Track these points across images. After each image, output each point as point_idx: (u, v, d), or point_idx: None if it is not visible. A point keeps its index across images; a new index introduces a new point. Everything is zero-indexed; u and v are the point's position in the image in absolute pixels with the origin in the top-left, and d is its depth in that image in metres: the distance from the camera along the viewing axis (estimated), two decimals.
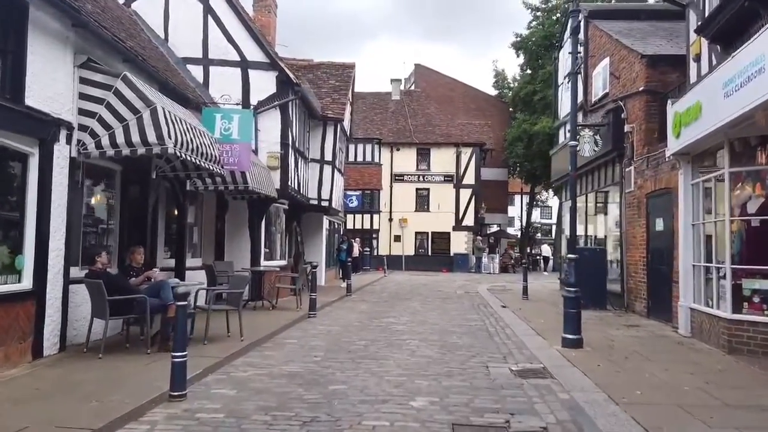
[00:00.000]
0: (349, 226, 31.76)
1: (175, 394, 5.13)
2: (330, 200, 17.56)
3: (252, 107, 12.76)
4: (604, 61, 14.84)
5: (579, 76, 16.95)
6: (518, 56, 38.50)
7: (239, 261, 13.43)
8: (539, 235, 54.28)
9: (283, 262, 15.90)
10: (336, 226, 25.37)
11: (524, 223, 43.15)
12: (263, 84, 13.91)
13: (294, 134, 14.85)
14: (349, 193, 27.82)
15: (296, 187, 15.13)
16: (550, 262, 32.60)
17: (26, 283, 6.51)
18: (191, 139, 8.03)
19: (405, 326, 10.37)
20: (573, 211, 8.63)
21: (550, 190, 51.39)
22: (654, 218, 11.33)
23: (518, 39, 37.90)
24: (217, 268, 12.64)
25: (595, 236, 16.66)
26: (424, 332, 9.68)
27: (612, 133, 13.10)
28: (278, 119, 14.08)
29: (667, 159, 10.36)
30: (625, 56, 13.11)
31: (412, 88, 39.63)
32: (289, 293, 13.74)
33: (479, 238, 33.00)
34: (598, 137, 13.40)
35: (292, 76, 14.15)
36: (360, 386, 5.94)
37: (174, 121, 7.51)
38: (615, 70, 13.71)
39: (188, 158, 8.00)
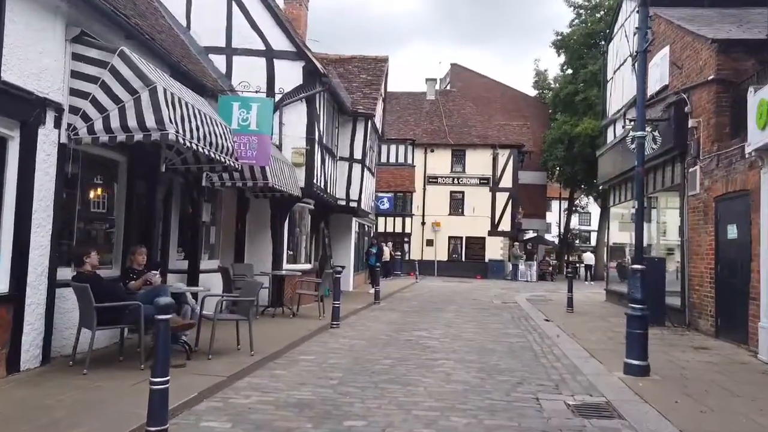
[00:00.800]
0: (380, 229, 30.73)
1: (152, 430, 4.13)
2: (359, 201, 16.54)
3: (275, 97, 11.72)
4: (663, 51, 13.42)
5: (633, 68, 15.63)
6: (559, 55, 37.00)
7: (260, 264, 12.51)
8: (577, 242, 52.19)
9: (308, 266, 14.94)
10: (366, 229, 24.37)
11: (562, 230, 41.38)
12: (289, 75, 12.98)
13: (321, 130, 13.89)
14: (380, 194, 26.81)
15: (323, 186, 14.15)
16: (593, 271, 30.85)
17: (0, 286, 5.65)
18: (198, 126, 7.10)
19: (438, 342, 9.23)
20: (640, 213, 7.36)
21: (591, 196, 49.54)
22: (725, 225, 9.91)
23: (559, 38, 36.36)
24: (235, 272, 11.74)
25: (648, 245, 15.17)
26: (460, 350, 8.51)
27: (674, 129, 11.71)
28: (304, 113, 13.14)
29: (746, 156, 8.97)
30: (690, 43, 11.71)
31: (448, 87, 38.41)
32: (314, 299, 12.74)
33: (516, 244, 31.53)
34: (656, 134, 12.00)
35: (319, 66, 13.19)
36: (382, 423, 4.85)
37: (177, 104, 6.58)
38: (677, 60, 12.30)
39: (196, 149, 7.08)
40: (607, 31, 25.46)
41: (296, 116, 13.09)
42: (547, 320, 12.36)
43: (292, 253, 14.28)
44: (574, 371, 7.22)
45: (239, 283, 9.34)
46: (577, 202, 46.77)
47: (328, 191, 14.98)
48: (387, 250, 26.22)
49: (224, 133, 8.07)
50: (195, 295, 7.93)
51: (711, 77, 10.53)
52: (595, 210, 66.95)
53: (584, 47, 35.57)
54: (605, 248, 35.60)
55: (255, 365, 6.82)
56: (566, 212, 41.52)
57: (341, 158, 16.31)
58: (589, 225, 65.89)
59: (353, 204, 16.44)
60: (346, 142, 16.45)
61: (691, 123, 11.30)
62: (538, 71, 45.47)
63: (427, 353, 8.16)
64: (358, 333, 9.83)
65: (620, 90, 16.47)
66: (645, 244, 18.50)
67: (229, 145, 8.18)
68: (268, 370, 6.73)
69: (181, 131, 6.59)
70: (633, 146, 12.17)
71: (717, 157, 10.21)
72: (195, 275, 9.93)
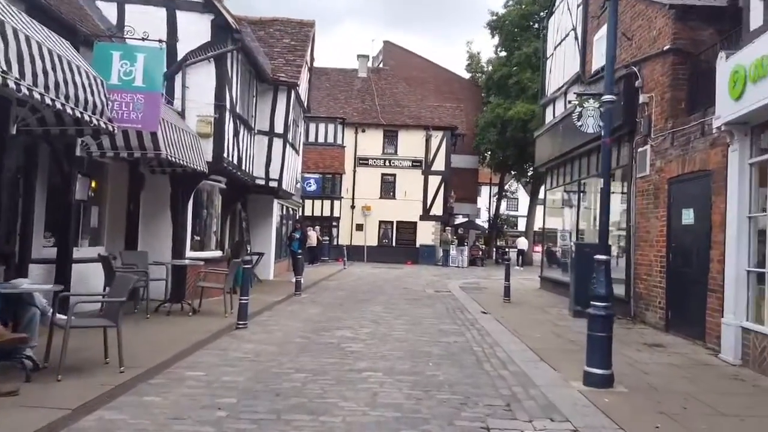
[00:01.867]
0: (308, 212, 29.01)
1: None
2: (280, 180, 14.80)
3: (162, 46, 9.67)
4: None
5: (576, 42, 14.74)
6: (493, 37, 36.28)
7: (157, 252, 10.61)
8: (506, 227, 52.51)
9: (218, 253, 13.12)
10: (291, 212, 22.62)
11: (492, 215, 41.16)
12: (195, 29, 11.08)
13: (234, 96, 12.05)
14: (307, 175, 25.09)
15: (236, 162, 12.34)
16: (524, 256, 30.58)
17: None
18: (47, 71, 5.28)
19: (364, 344, 7.81)
20: (606, 192, 6.18)
21: (521, 181, 49.76)
22: (678, 209, 9.05)
23: (494, 18, 35.62)
24: (124, 261, 9.84)
25: (580, 231, 14.46)
26: (390, 355, 7.14)
27: (623, 105, 10.77)
28: (213, 75, 11.27)
29: (708, 133, 8.07)
30: (642, 11, 10.79)
31: (380, 66, 36.89)
32: (227, 292, 10.96)
33: (448, 229, 30.71)
34: (603, 110, 11.04)
35: (232, 21, 11.32)
36: None
37: (13, 37, 4.76)
38: (626, 30, 11.38)
39: (43, 100, 5.26)
40: (545, 14, 24.81)
41: (204, 79, 11.22)
42: (484, 312, 11.26)
43: (199, 238, 12.43)
44: (526, 382, 6.00)
45: (113, 280, 7.48)
46: (507, 187, 46.82)
47: (244, 168, 13.17)
48: (314, 235, 24.58)
49: (93, 85, 6.22)
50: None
51: (667, 47, 9.60)
52: (523, 196, 68.20)
53: (518, 29, 35.03)
54: (536, 234, 35.68)
55: (120, 388, 5.13)
56: (496, 197, 41.30)
57: (260, 132, 14.50)
58: (517, 210, 66.89)
59: (273, 183, 14.69)
60: (265, 114, 14.63)
61: (641, 98, 10.41)
62: (471, 54, 44.92)
63: (350, 361, 6.73)
64: (268, 335, 8.24)
65: (561, 67, 15.58)
66: (571, 229, 17.95)
67: (99, 101, 6.33)
68: (136, 396, 5.06)
69: (15, 74, 4.79)
70: (580, 123, 11.22)
71: (672, 135, 9.32)
72: (66, 266, 7.99)
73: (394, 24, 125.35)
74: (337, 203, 29.88)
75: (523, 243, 31.53)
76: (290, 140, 15.61)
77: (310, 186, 24.46)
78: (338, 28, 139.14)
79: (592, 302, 5.91)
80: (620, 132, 11.09)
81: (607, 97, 6.01)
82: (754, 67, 6.30)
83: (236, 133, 12.26)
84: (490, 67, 38.50)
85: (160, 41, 9.05)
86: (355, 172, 30.37)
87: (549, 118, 16.54)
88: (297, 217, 21.54)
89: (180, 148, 9.51)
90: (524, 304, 12.91)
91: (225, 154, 11.47)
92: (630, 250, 10.80)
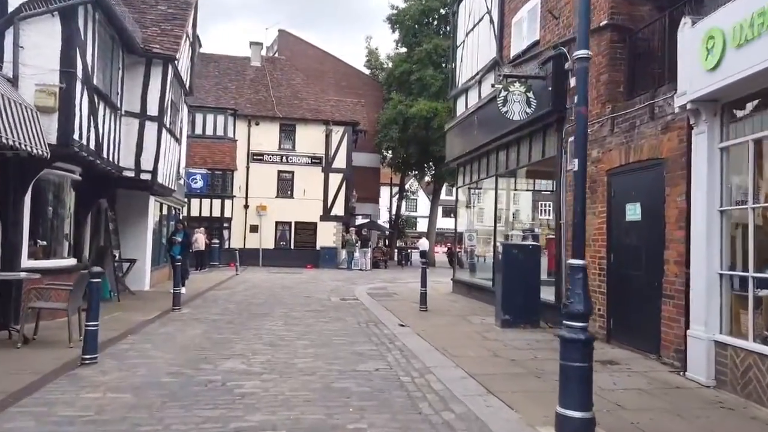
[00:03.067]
0: (194, 212, 26.13)
1: None
2: (154, 172, 12.33)
3: None
4: (530, 3, 11.49)
5: (492, 26, 13.66)
6: (393, 32, 35.28)
7: None
8: (406, 228, 51.98)
9: (72, 262, 10.49)
10: (175, 212, 19.88)
11: (394, 215, 40.18)
12: None
13: (90, 65, 9.56)
14: (192, 171, 22.36)
15: (93, 147, 9.84)
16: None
17: None
18: None
19: (259, 382, 5.89)
20: (581, 178, 4.76)
21: (421, 182, 49.39)
22: (621, 203, 8.03)
23: (395, 12, 34.61)
24: None
25: (496, 231, 13.43)
26: (295, 400, 5.30)
27: (551, 90, 9.70)
28: (58, 34, 8.77)
29: (655, 117, 7.05)
30: None
31: (276, 55, 34.47)
32: (72, 314, 8.44)
33: (352, 229, 29.09)
34: (531, 95, 9.94)
35: None
36: None
37: None
38: (552, 8, 10.34)
39: None
40: (446, 10, 23.97)
41: (46, 39, 8.71)
42: (402, 325, 9.70)
43: (44, 243, 9.78)
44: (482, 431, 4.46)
45: None
46: (407, 186, 46.14)
47: (106, 156, 10.66)
48: (201, 238, 21.88)
49: None
50: None
51: (603, 23, 8.58)
52: (422, 196, 68.37)
53: (419, 25, 34.28)
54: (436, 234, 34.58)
55: None
56: (397, 197, 40.38)
57: (129, 113, 11.98)
58: (416, 211, 66.99)
59: (146, 176, 12.20)
60: (135, 92, 12.12)
61: (572, 82, 9.36)
62: (370, 49, 43.75)
63: (239, 413, 4.82)
64: (125, 374, 6.07)
65: (474, 54, 14.47)
66: (464, 229, 17.03)
67: None
68: None
69: None
70: (505, 109, 10.00)
71: (611, 121, 8.30)
72: None
73: (290, 20, 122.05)
74: (228, 202, 27.21)
75: (424, 244, 30.66)
76: (168, 125, 13.16)
77: (195, 182, 21.75)
78: (230, 24, 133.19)
79: (566, 322, 4.46)
80: (547, 120, 10.04)
81: (581, 53, 4.59)
82: (740, 28, 5.21)
83: (93, 112, 9.75)
84: (390, 64, 37.50)
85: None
86: (248, 168, 27.83)
87: (461, 110, 15.42)
88: (180, 218, 18.81)
89: (9, 124, 7.07)
90: (442, 312, 11.55)
91: (76, 136, 8.98)
92: (560, 250, 9.74)
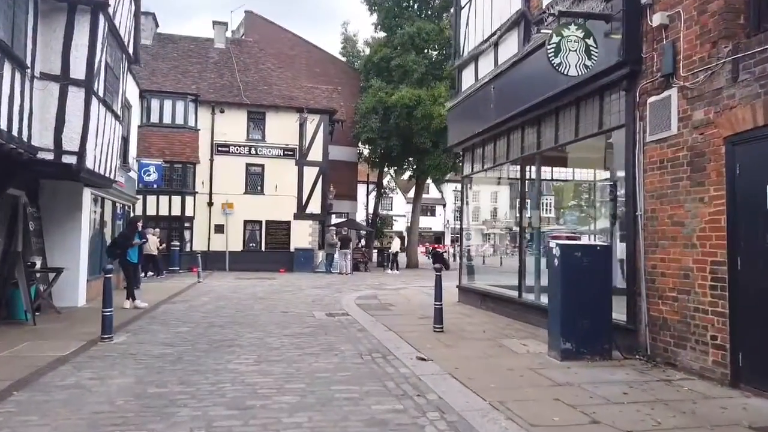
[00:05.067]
0: (150, 211, 22.96)
1: None
2: (81, 155, 9.34)
3: None
4: None
5: None
6: (372, 13, 32.48)
7: None
8: (385, 228, 49.31)
9: None
10: (124, 210, 16.80)
11: (372, 213, 37.46)
12: None
13: None
14: (145, 162, 19.22)
15: None
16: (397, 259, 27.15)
17: None
18: None
19: None
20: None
21: (401, 175, 46.78)
22: (754, 184, 5.49)
23: None
24: None
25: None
26: None
27: (624, 32, 7.14)
28: None
29: None
30: None
31: (243, 38, 31.29)
32: None
33: (332, 229, 26.26)
34: (591, 42, 7.36)
35: None
36: None
37: None
38: None
39: None
40: None
41: None
42: (423, 359, 7.01)
43: None
44: None
45: None
46: (385, 183, 43.44)
47: (8, 129, 7.68)
48: (153, 240, 18.72)
49: None
50: None
51: None
52: (398, 195, 65.80)
53: (398, 7, 31.59)
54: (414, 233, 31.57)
55: None
56: (375, 194, 37.68)
57: (46, 76, 8.99)
58: (392, 210, 64.41)
59: (69, 159, 9.20)
60: (54, 48, 9.13)
61: (656, 19, 6.80)
62: (346, 36, 41.00)
63: None
64: None
65: (487, 12, 11.84)
66: (469, 227, 14.54)
67: None
68: None
69: None
70: (558, 61, 7.39)
71: (733, 65, 5.74)
72: None
73: (260, 8, 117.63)
74: (189, 199, 24.07)
75: (396, 245, 27.98)
76: (100, 93, 10.16)
77: (148, 175, 18.55)
78: (191, 14, 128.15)
79: None
80: (614, 74, 7.45)
81: None
82: None
83: None
84: (368, 50, 34.73)
85: None
86: (212, 161, 24.72)
87: (468, 83, 12.79)
88: (134, 216, 15.62)
89: None
90: (463, 333, 8.90)
91: None
92: (636, 251, 7.17)
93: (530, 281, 10.06)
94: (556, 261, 7.04)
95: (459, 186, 54.48)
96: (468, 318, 10.63)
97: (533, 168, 10.28)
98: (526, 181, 10.73)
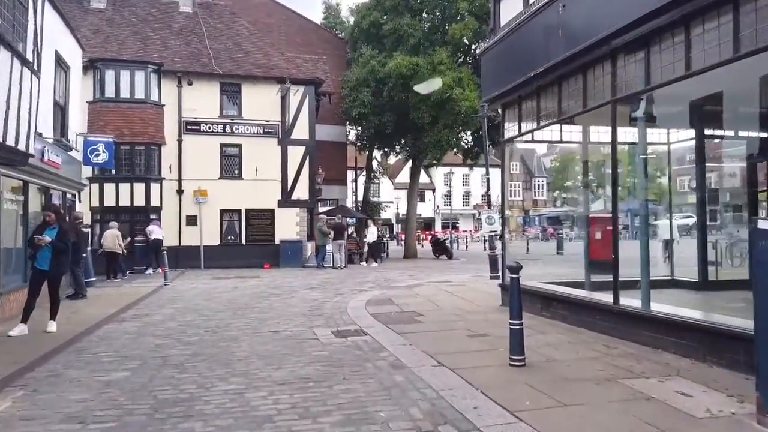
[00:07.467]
0: (109, 201, 19.42)
1: None
2: None
3: None
4: None
5: None
6: None
7: None
8: (375, 214, 45.99)
9: None
10: (71, 200, 13.34)
11: (361, 200, 34.15)
12: None
13: None
14: (93, 139, 15.65)
15: None
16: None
17: None
18: None
19: None
20: None
21: (386, 159, 43.46)
22: None
23: None
24: None
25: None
26: None
27: None
28: None
29: None
30: None
31: (212, 0, 27.50)
32: None
33: (324, 217, 22.91)
34: None
35: None
36: None
37: None
38: None
39: None
40: None
41: None
42: None
43: None
44: None
45: None
46: (375, 167, 40.09)
47: None
48: (112, 236, 15.14)
49: None
50: None
51: None
52: (385, 180, 62.59)
53: None
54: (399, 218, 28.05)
55: None
56: (364, 178, 34.38)
57: None
58: (379, 196, 61.15)
59: None
60: None
61: None
62: (328, 4, 37.37)
63: None
64: None
65: None
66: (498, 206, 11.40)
67: None
68: None
69: None
70: None
71: None
72: None
73: None
74: (155, 187, 20.52)
75: (373, 234, 24.71)
76: (9, 40, 6.70)
77: (96, 155, 14.92)
78: None
79: None
80: None
81: None
82: None
83: None
84: (353, 19, 31.18)
85: None
86: (180, 141, 21.13)
87: (512, 12, 9.54)
88: (50, 204, 12.05)
89: None
90: (561, 370, 5.76)
91: None
92: None
93: (627, 277, 6.95)
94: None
95: (451, 169, 50.67)
96: (541, 336, 7.47)
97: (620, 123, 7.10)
98: (617, 143, 7.52)
